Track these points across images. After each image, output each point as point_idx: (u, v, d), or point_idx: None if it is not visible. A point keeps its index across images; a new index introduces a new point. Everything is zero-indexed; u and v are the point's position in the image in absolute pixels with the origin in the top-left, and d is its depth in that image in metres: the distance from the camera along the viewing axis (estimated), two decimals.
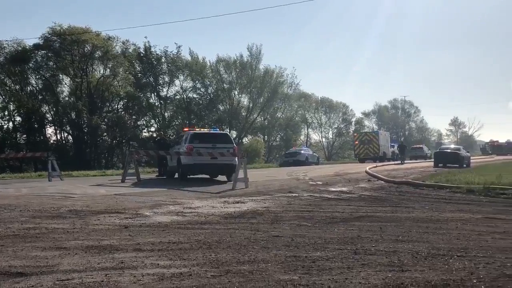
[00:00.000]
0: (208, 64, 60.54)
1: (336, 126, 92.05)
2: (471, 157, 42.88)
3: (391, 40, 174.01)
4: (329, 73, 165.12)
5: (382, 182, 20.00)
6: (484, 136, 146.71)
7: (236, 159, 19.57)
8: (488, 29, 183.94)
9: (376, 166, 32.62)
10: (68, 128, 50.27)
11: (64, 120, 49.49)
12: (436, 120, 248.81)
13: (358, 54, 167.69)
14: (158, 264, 5.74)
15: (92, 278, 5.11)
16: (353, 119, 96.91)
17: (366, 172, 25.13)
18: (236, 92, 63.06)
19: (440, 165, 34.21)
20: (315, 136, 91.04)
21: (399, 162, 42.01)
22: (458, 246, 6.92)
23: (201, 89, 59.32)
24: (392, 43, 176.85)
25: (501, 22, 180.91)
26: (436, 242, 7.23)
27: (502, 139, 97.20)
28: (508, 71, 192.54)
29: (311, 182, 19.72)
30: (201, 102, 58.68)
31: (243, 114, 63.86)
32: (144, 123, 55.37)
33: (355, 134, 57.88)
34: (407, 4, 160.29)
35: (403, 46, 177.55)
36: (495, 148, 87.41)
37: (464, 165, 34.92)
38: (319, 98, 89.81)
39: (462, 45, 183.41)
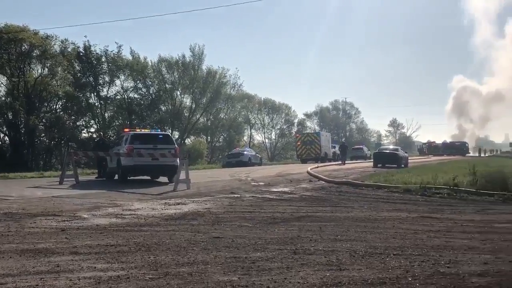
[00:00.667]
0: (150, 64, 59.85)
1: (279, 127, 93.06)
2: (409, 158, 43.98)
3: (334, 43, 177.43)
4: (273, 75, 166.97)
5: (323, 182, 20.27)
6: (421, 137, 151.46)
7: (178, 160, 19.46)
8: (427, 33, 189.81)
9: (318, 167, 32.97)
10: (5, 129, 48.57)
11: (0, 120, 47.91)
12: (376, 121, 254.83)
13: (302, 56, 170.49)
14: (95, 267, 5.64)
15: (27, 282, 4.99)
16: (296, 120, 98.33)
17: (308, 172, 25.40)
18: (178, 93, 62.61)
19: (379, 165, 34.88)
20: (258, 137, 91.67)
21: (340, 162, 42.63)
22: (395, 245, 7.09)
23: (143, 89, 58.46)
24: (335, 46, 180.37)
25: (440, 27, 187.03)
26: (373, 241, 7.39)
27: (438, 139, 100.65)
28: (445, 74, 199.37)
29: (253, 183, 19.79)
30: (142, 102, 57.79)
31: (185, 114, 63.43)
32: (84, 123, 54.08)
33: (297, 135, 58.46)
34: (350, 8, 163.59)
35: (345, 49, 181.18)
36: (431, 148, 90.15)
37: (402, 165, 35.73)
38: (262, 99, 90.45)
39: (402, 48, 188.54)
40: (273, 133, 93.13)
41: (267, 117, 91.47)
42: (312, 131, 73.81)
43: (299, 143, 51.82)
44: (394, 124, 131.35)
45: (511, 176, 16.45)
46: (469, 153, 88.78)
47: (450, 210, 11.76)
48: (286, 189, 17.11)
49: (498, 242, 7.47)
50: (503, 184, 15.57)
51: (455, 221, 9.78)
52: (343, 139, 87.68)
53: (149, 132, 22.53)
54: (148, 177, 21.65)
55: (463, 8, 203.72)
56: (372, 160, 39.49)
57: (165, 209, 11.47)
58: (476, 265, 5.92)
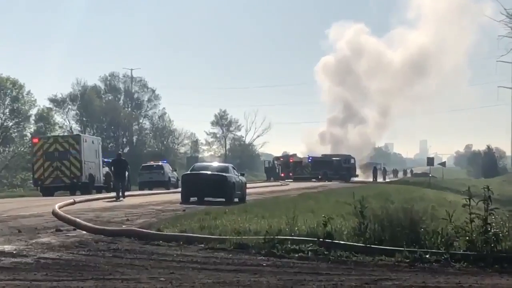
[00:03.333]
0: None
1: None
2: (249, 184, 45.56)
3: None
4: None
5: (85, 232, 20.21)
6: (272, 147, 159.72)
7: None
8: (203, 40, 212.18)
9: (75, 202, 32.96)
10: None
11: None
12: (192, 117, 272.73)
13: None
14: None
15: None
16: (33, 111, 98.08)
17: (55, 214, 25.20)
18: None
19: (193, 198, 35.64)
20: None
21: (116, 194, 42.20)
22: None
23: None
24: None
25: (214, 36, 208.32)
26: None
27: (300, 152, 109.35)
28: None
29: None
30: None
31: None
32: None
33: (35, 141, 58.21)
34: None
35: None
36: (289, 167, 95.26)
37: (236, 198, 36.94)
38: None
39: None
40: None
41: None
42: (67, 133, 73.56)
43: (39, 157, 51.29)
44: (223, 119, 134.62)
45: (424, 217, 16.96)
46: (357, 176, 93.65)
47: (317, 285, 12.10)
48: (9, 247, 16.80)
49: None
50: (412, 231, 16.06)
51: None
52: (121, 150, 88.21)
53: None
54: None
55: None
56: (180, 188, 40.22)
57: None
58: None
